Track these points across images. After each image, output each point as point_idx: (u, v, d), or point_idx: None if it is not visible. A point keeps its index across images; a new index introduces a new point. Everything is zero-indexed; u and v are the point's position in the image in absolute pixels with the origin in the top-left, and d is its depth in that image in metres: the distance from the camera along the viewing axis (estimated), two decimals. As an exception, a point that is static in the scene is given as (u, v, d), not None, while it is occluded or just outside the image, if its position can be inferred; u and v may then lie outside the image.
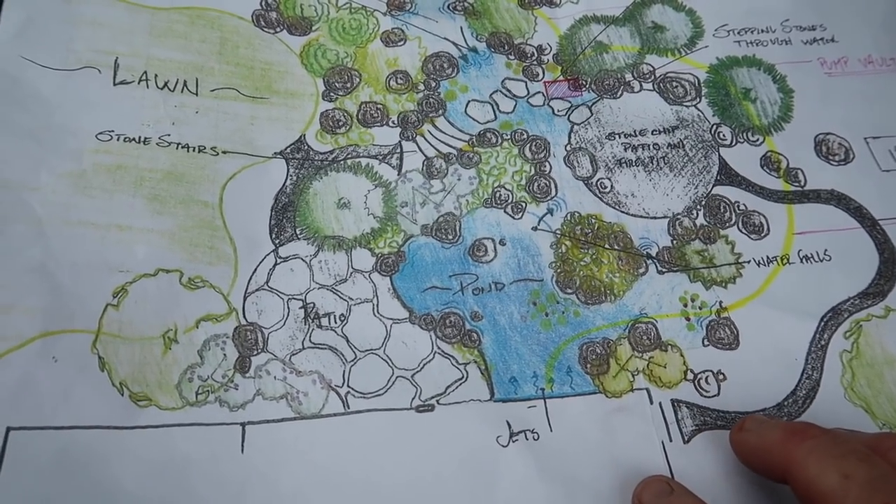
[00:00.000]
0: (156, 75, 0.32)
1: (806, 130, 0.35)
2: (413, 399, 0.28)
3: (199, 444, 0.26)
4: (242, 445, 0.26)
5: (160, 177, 0.30)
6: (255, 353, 0.28)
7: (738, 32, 0.37)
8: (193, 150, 0.31)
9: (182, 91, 0.33)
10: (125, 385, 0.27)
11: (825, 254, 0.32)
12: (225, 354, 0.28)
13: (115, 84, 0.32)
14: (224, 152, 0.32)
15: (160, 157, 0.31)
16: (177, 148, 0.31)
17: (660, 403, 0.28)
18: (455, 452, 0.27)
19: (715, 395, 0.28)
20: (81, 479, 0.25)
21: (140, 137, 0.31)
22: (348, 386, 0.28)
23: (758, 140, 0.35)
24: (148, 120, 0.31)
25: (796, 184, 0.34)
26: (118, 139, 0.31)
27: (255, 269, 0.30)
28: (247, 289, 0.29)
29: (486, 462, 0.27)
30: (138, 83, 0.32)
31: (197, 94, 0.33)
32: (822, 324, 0.30)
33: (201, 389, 0.27)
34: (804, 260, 0.32)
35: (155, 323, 0.28)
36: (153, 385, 0.27)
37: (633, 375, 0.29)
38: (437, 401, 0.28)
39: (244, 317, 0.29)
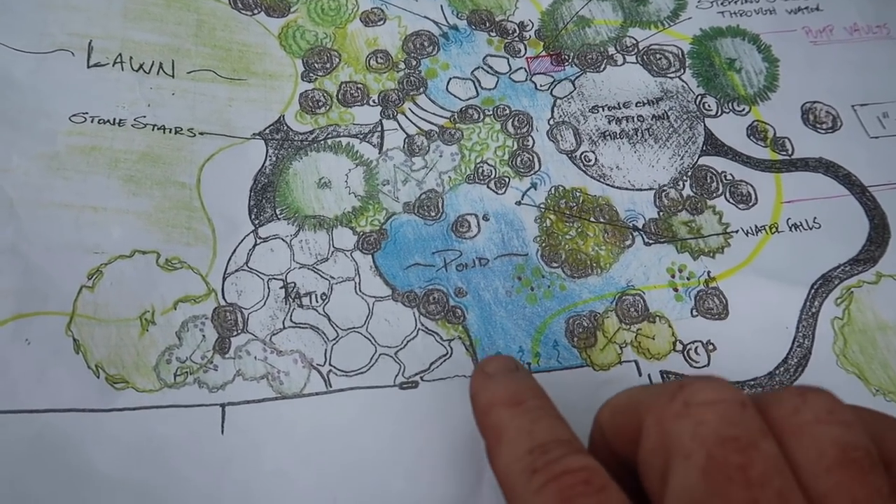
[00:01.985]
0: (131, 57, 0.32)
1: (792, 99, 0.34)
2: (396, 376, 0.27)
3: (178, 426, 0.25)
4: (222, 426, 0.26)
5: (136, 158, 0.30)
6: (235, 333, 0.28)
7: (722, 3, 0.37)
8: (170, 132, 0.31)
9: (158, 73, 0.32)
10: (101, 367, 0.26)
11: (814, 222, 0.31)
12: (204, 335, 0.27)
13: (89, 66, 0.31)
14: (201, 133, 0.31)
15: (136, 139, 0.30)
16: (153, 129, 0.31)
17: (649, 375, 0.28)
18: (440, 429, 0.26)
19: (705, 366, 0.28)
20: (58, 462, 0.24)
21: (115, 119, 0.31)
22: (330, 364, 0.27)
23: (743, 110, 0.34)
24: (123, 102, 0.31)
25: (784, 153, 0.33)
26: (92, 121, 0.30)
27: (235, 250, 0.29)
28: (226, 269, 0.29)
29: (471, 438, 0.26)
30: (113, 66, 0.32)
31: (173, 77, 0.32)
32: (813, 291, 0.29)
33: (180, 371, 0.27)
34: (793, 228, 0.31)
35: (131, 304, 0.27)
36: (130, 367, 0.26)
37: (620, 348, 0.28)
38: (421, 377, 0.27)
39: (223, 297, 0.28)
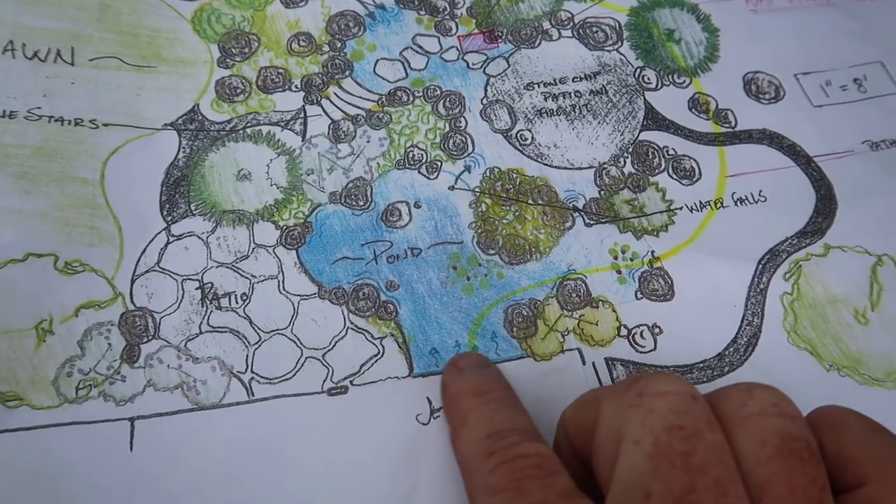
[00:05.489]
0: (24, 44, 0.29)
1: (734, 70, 0.33)
2: (324, 381, 0.25)
3: (81, 445, 0.23)
4: (131, 443, 0.23)
5: (29, 153, 0.27)
6: (145, 340, 0.25)
7: (659, -27, 0.36)
8: (69, 124, 0.28)
9: (55, 61, 0.29)
10: (-9, 385, 0.23)
11: (760, 195, 0.30)
12: (110, 344, 0.25)
13: (-26, 55, 0.29)
14: (105, 125, 0.29)
15: (29, 132, 0.28)
16: (49, 121, 0.28)
17: (593, 363, 0.26)
18: (371, 435, 0.24)
19: (651, 350, 0.26)
20: (-58, 495, 0.22)
21: (5, 111, 0.28)
22: (252, 371, 0.25)
23: (684, 82, 0.33)
24: (14, 93, 0.28)
25: (727, 125, 0.32)
26: (-22, 114, 0.27)
27: (145, 250, 0.27)
28: (135, 271, 0.26)
29: (405, 443, 0.24)
30: (3, 53, 0.29)
31: (73, 65, 0.30)
32: (760, 267, 0.28)
33: (82, 384, 0.24)
34: (738, 202, 0.30)
35: (26, 313, 0.25)
36: (25, 382, 0.24)
37: (562, 336, 0.26)
38: (351, 381, 0.25)
39: (132, 302, 0.26)
